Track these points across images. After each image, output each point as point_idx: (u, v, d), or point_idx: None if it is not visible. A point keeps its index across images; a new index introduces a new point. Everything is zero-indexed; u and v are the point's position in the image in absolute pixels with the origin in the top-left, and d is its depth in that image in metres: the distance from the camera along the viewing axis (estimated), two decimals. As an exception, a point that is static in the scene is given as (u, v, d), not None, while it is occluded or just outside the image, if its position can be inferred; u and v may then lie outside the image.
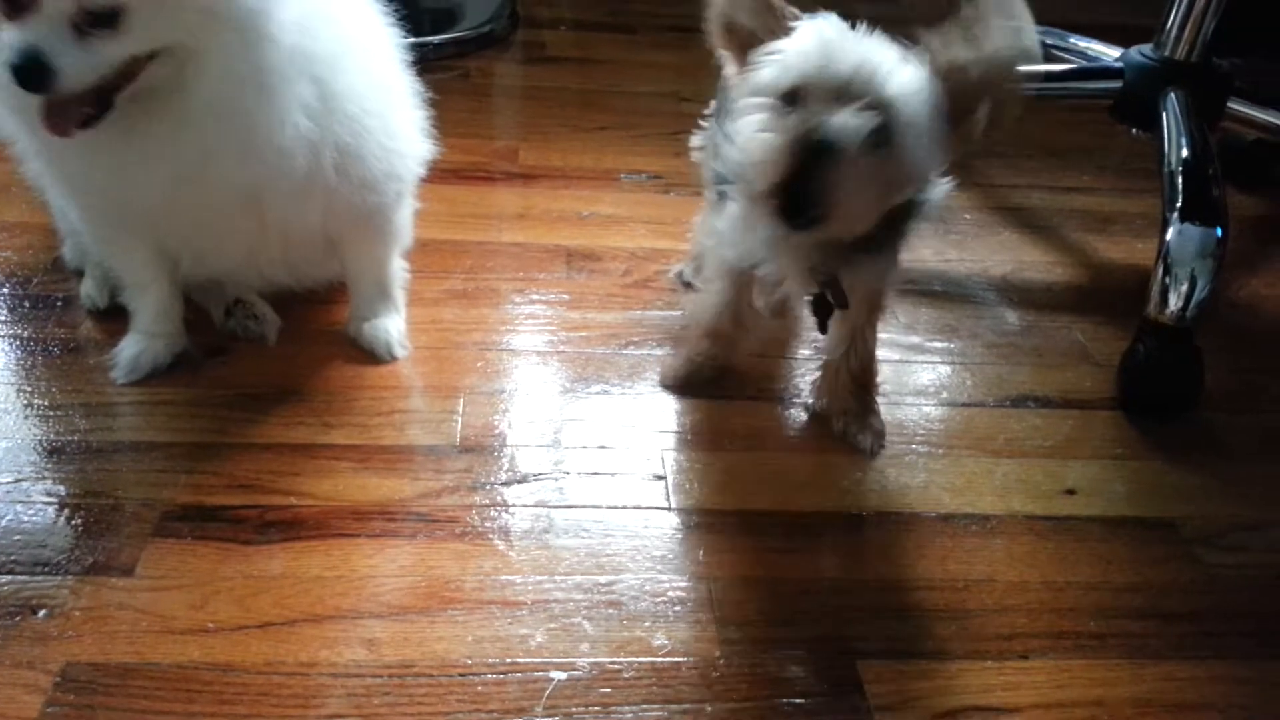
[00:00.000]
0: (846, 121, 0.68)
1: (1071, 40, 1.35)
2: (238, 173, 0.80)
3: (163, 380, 0.93)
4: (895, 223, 0.80)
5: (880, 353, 1.05)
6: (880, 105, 0.69)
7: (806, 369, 1.03)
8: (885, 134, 0.69)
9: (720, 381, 0.99)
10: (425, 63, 1.64)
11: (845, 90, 0.69)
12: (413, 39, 1.66)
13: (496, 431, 0.91)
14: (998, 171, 1.48)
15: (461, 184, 1.30)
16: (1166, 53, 1.17)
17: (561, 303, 1.10)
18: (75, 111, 0.73)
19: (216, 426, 0.88)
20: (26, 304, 1.01)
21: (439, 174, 1.30)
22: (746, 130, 0.72)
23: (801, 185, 0.69)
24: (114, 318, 0.98)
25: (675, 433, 0.93)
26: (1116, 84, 1.19)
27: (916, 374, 1.04)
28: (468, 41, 1.72)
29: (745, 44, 0.77)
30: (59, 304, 1.02)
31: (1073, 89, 1.28)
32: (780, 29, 0.75)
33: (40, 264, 1.07)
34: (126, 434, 0.87)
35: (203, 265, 0.94)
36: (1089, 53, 1.32)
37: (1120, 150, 1.54)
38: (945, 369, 1.05)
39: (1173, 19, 1.16)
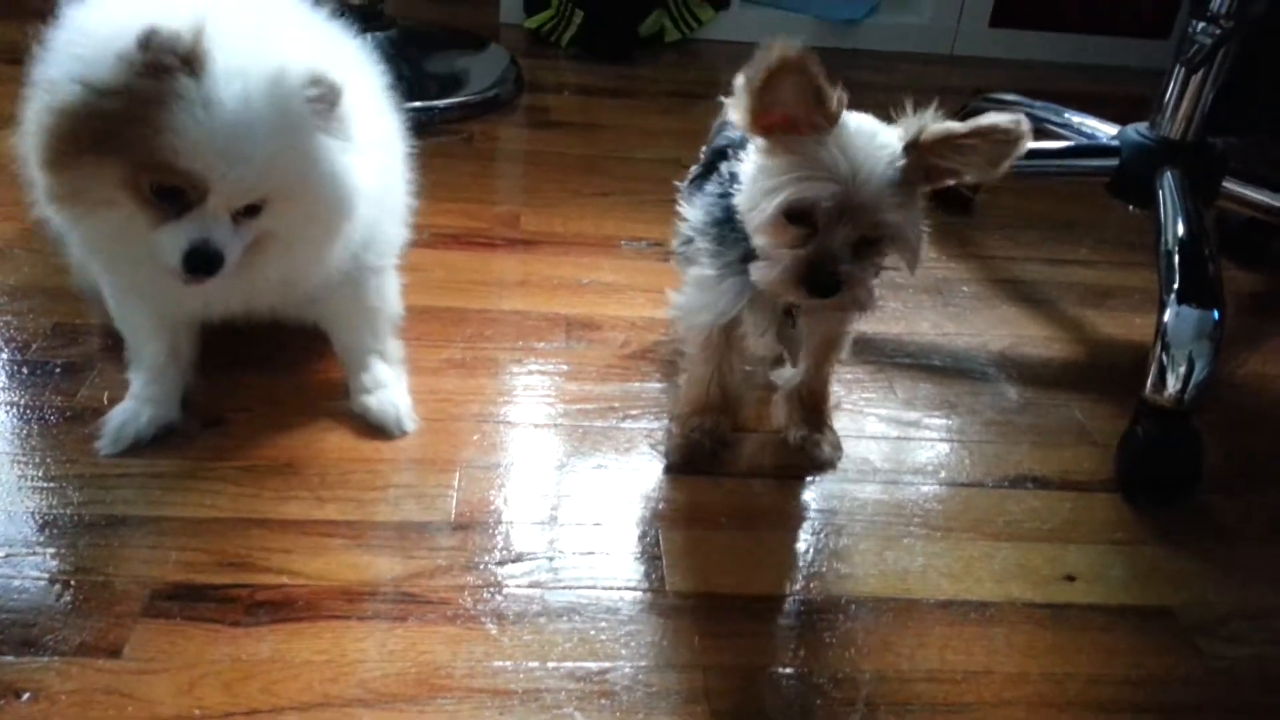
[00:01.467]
0: (851, 258, 0.79)
1: (1068, 116, 1.37)
2: (298, 288, 0.91)
3: (158, 451, 0.92)
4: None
5: (879, 429, 1.06)
6: (881, 225, 0.78)
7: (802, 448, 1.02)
8: (885, 242, 0.81)
9: (719, 455, 0.99)
10: (430, 126, 1.67)
11: (854, 216, 0.77)
12: (419, 103, 1.69)
13: (492, 507, 0.90)
14: (996, 243, 1.49)
15: (463, 250, 1.31)
16: (1162, 132, 1.19)
17: (560, 373, 1.10)
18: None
19: (210, 500, 0.88)
20: (24, 370, 1.01)
21: (441, 240, 1.32)
22: (768, 239, 0.81)
23: (821, 279, 0.79)
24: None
25: (671, 509, 0.93)
26: (1113, 162, 1.20)
27: (915, 452, 1.04)
28: (473, 106, 1.74)
29: (775, 123, 0.78)
30: (57, 370, 1.01)
31: (1069, 166, 1.30)
32: (825, 120, 0.76)
33: (40, 329, 1.07)
34: (120, 507, 0.86)
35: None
36: (1085, 129, 1.34)
37: (1118, 223, 1.54)
38: (944, 447, 1.05)
39: (1168, 99, 1.17)
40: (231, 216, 0.77)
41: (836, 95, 0.76)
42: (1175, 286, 1.02)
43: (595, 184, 1.53)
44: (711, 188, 0.90)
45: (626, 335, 1.18)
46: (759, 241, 0.82)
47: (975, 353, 1.22)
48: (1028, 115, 1.42)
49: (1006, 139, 0.76)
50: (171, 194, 0.76)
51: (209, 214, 0.76)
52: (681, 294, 0.95)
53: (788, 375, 1.01)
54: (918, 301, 1.31)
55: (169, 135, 0.72)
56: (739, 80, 0.77)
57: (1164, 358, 0.98)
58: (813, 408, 1.01)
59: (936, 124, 0.77)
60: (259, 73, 0.74)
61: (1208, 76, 1.12)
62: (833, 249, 0.78)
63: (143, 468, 0.91)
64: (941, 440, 1.06)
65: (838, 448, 1.01)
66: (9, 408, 0.97)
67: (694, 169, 0.98)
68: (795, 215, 0.79)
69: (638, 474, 0.97)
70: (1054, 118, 1.39)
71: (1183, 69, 1.13)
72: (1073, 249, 1.48)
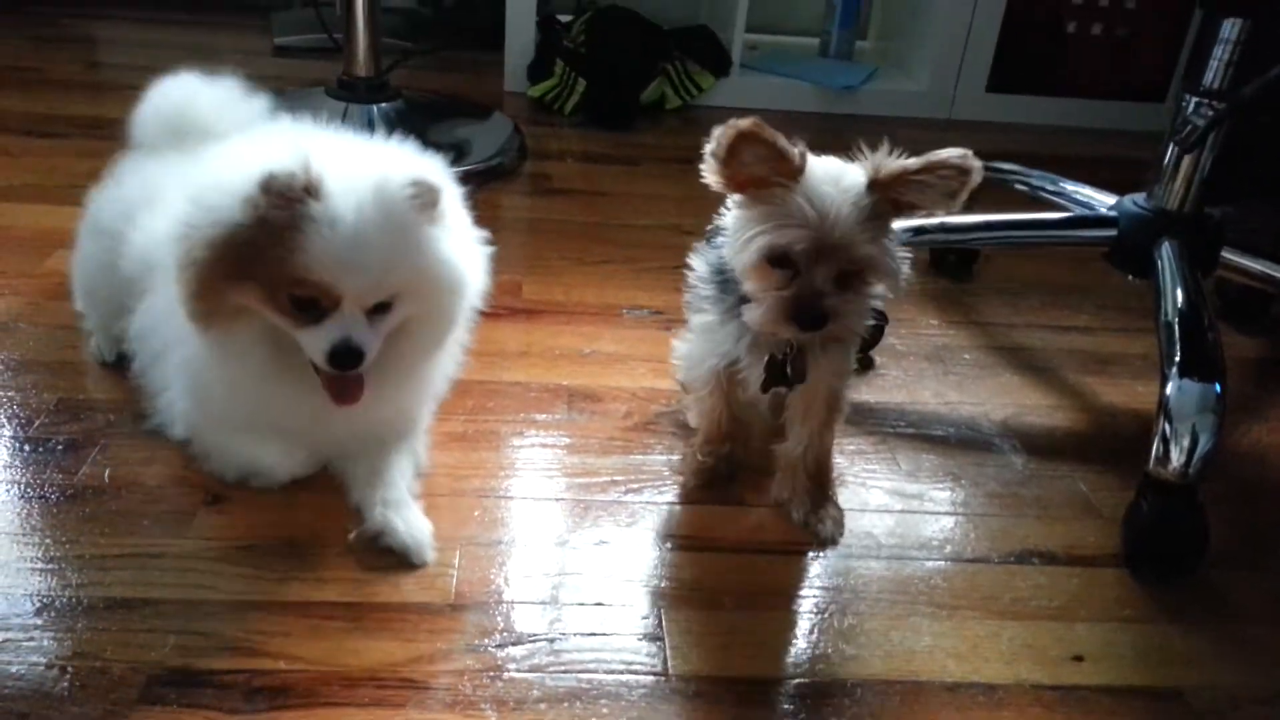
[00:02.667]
0: (835, 291, 0.86)
1: (1065, 186, 1.38)
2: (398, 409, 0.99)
3: (158, 531, 0.92)
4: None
5: (883, 501, 1.06)
6: (856, 260, 0.85)
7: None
8: (865, 273, 0.86)
9: (734, 479, 1.05)
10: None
11: (830, 255, 0.84)
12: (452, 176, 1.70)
13: (492, 586, 0.90)
14: (996, 309, 1.49)
15: (465, 320, 1.31)
16: (1160, 203, 1.20)
17: (562, 446, 1.10)
18: (356, 380, 0.89)
19: (209, 582, 0.87)
20: (27, 448, 1.01)
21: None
22: (755, 284, 0.88)
23: (807, 314, 0.86)
24: (136, 452, 0.98)
25: (673, 588, 0.92)
26: (1111, 233, 1.21)
27: (920, 526, 1.03)
28: (477, 174, 1.76)
29: (746, 182, 0.86)
30: (59, 448, 1.01)
31: (1067, 237, 1.31)
32: (791, 172, 0.84)
33: (43, 405, 1.07)
34: (118, 589, 0.85)
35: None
36: (1082, 198, 1.35)
37: (1118, 288, 1.55)
38: (949, 521, 1.04)
39: (1165, 170, 1.18)
40: (365, 315, 0.86)
41: (798, 151, 0.83)
42: (1176, 359, 1.02)
43: (597, 251, 1.54)
44: (713, 241, 0.96)
45: (628, 406, 1.18)
46: (748, 287, 0.89)
47: (978, 422, 1.22)
48: (1025, 185, 1.45)
49: (955, 173, 0.83)
50: (309, 304, 0.84)
51: (346, 316, 0.85)
52: (685, 341, 1.02)
53: (789, 446, 1.01)
54: (919, 370, 1.32)
55: (301, 255, 0.81)
56: (706, 152, 0.85)
57: (1167, 431, 0.98)
58: (816, 480, 1.01)
59: (892, 162, 0.84)
60: (366, 187, 0.83)
61: (1202, 154, 1.13)
62: (815, 286, 0.85)
63: (142, 548, 0.90)
64: (946, 514, 1.05)
65: (840, 523, 1.01)
66: (10, 486, 0.96)
67: (711, 226, 1.00)
68: (776, 260, 0.85)
69: (640, 550, 0.96)
70: (1051, 187, 1.40)
71: (1177, 148, 1.14)
72: (1073, 315, 1.49)
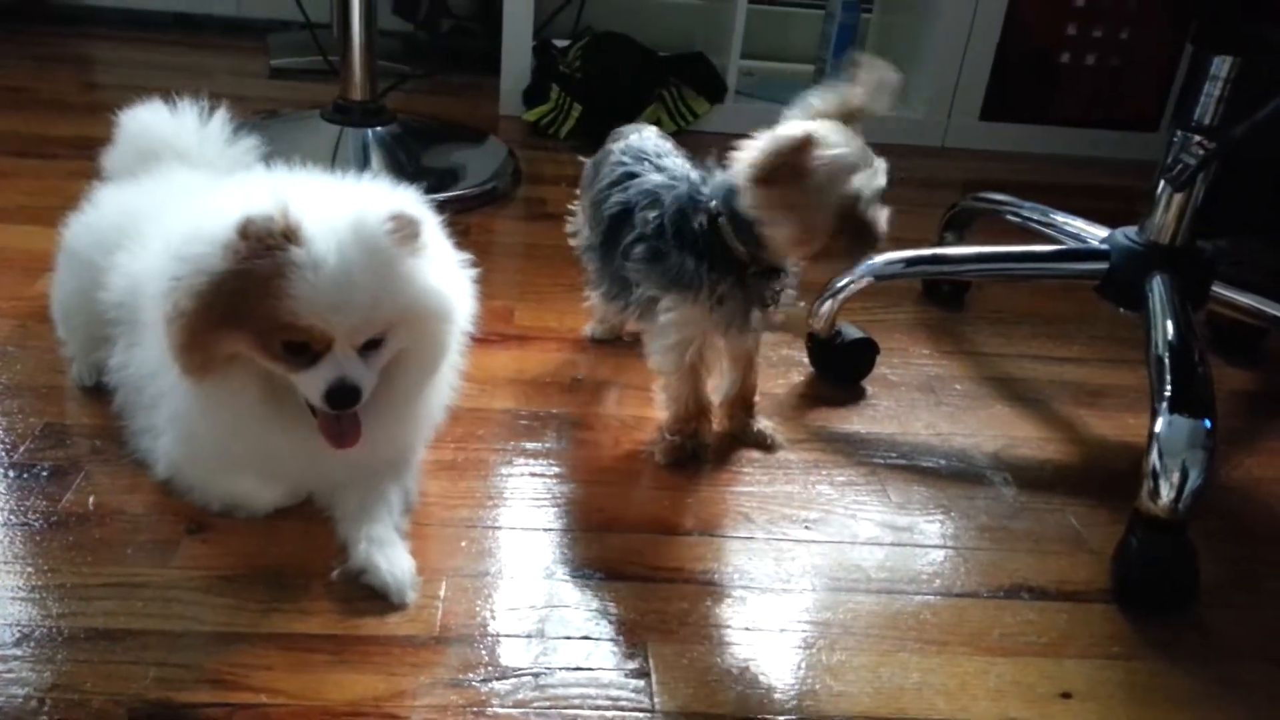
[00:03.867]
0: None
1: (1056, 217, 1.39)
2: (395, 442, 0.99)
3: (141, 560, 0.91)
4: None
5: (873, 533, 1.06)
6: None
7: (794, 554, 1.01)
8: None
9: (700, 456, 1.14)
10: (428, 218, 1.69)
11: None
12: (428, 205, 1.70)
13: (477, 619, 0.89)
14: (988, 339, 1.49)
15: (456, 346, 1.31)
16: (1151, 236, 1.20)
17: (550, 475, 1.09)
18: (352, 420, 0.89)
19: (191, 613, 0.86)
20: (11, 474, 1.01)
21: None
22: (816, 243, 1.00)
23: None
24: (121, 485, 0.97)
25: (660, 620, 0.91)
26: (1102, 266, 1.22)
27: (909, 559, 1.03)
28: (471, 198, 1.76)
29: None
30: (44, 474, 1.01)
31: (1058, 270, 1.31)
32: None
33: (29, 430, 1.07)
34: (101, 619, 0.85)
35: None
36: (1071, 229, 1.35)
37: (1111, 320, 1.55)
38: (938, 554, 1.04)
39: (1157, 204, 1.19)
40: (358, 352, 0.86)
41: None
42: (1167, 394, 1.02)
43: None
44: (641, 248, 1.05)
45: (617, 435, 1.17)
46: (800, 248, 1.01)
47: (970, 454, 1.22)
48: (1017, 217, 1.45)
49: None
50: (301, 347, 0.85)
51: (339, 356, 0.86)
52: (663, 337, 1.08)
53: (725, 387, 1.17)
54: (911, 400, 1.31)
55: (289, 301, 0.81)
56: (754, 175, 0.97)
57: (1157, 467, 0.98)
58: (749, 402, 1.18)
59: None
60: (345, 226, 0.83)
61: (1192, 193, 1.14)
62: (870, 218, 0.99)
63: (124, 577, 0.89)
64: (936, 547, 1.05)
65: (771, 429, 1.19)
66: (-7, 512, 0.96)
67: (596, 239, 1.13)
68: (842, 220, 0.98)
69: (626, 583, 0.95)
70: (1043, 219, 1.41)
71: (1168, 186, 1.14)
72: (1065, 345, 1.49)
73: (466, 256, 0.97)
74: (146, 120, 1.10)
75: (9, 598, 0.86)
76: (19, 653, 0.81)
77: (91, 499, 0.98)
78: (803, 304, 1.16)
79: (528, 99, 2.17)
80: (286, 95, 2.20)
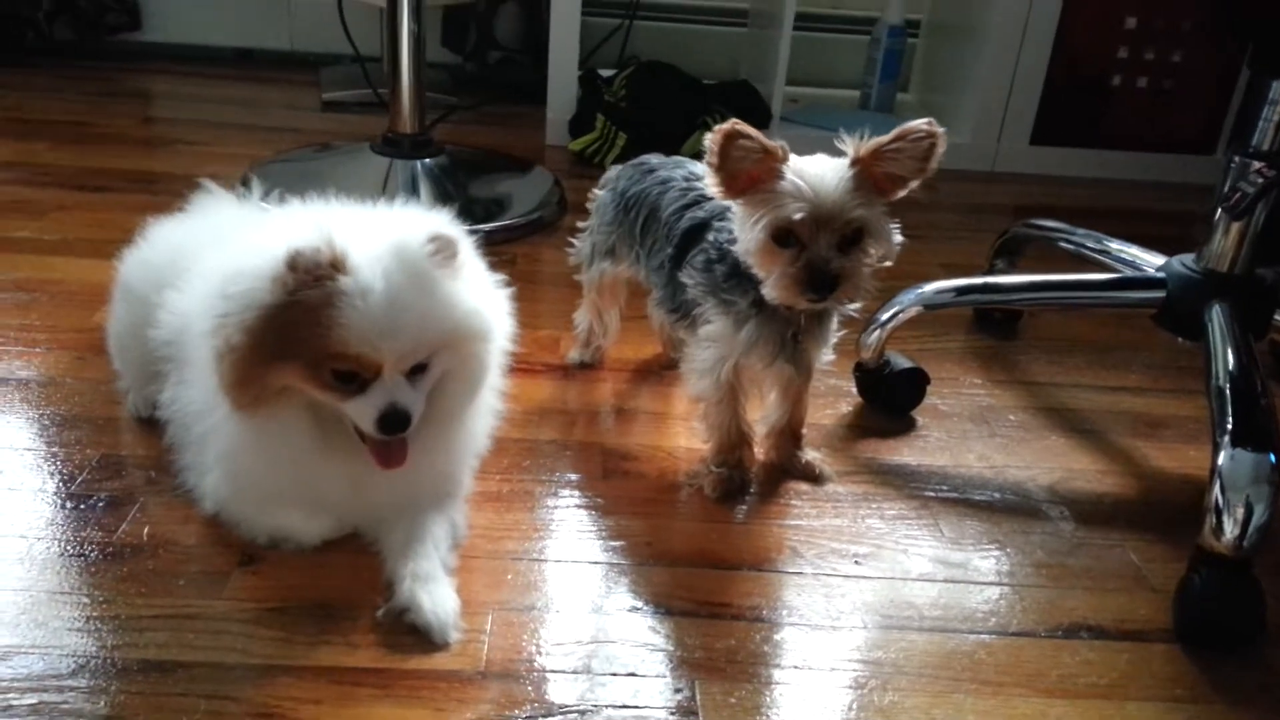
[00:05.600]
0: (836, 259, 0.96)
1: (1110, 244, 1.36)
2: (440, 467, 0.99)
3: (193, 592, 0.92)
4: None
5: (925, 569, 1.04)
6: (851, 222, 0.95)
7: (844, 591, 1.00)
8: (863, 238, 0.96)
9: (747, 487, 1.13)
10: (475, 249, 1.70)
11: (828, 223, 0.94)
12: (466, 227, 1.72)
13: (523, 655, 0.88)
14: (1042, 368, 1.46)
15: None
16: (1209, 264, 1.17)
17: (596, 507, 1.09)
18: (401, 444, 0.90)
19: (241, 645, 0.87)
20: (69, 504, 1.03)
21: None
22: (766, 266, 0.98)
23: (819, 278, 0.95)
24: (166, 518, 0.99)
25: (707, 657, 0.90)
26: (1159, 294, 1.19)
27: (963, 597, 1.00)
28: (517, 228, 1.77)
29: (745, 184, 0.97)
30: (100, 505, 1.02)
31: (1113, 299, 1.28)
32: (778, 165, 0.95)
33: (86, 461, 1.09)
34: (152, 651, 0.85)
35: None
36: (1126, 257, 1.32)
37: (1169, 347, 1.51)
38: (993, 591, 1.01)
39: (1214, 231, 1.16)
40: (406, 377, 0.87)
41: (780, 145, 0.94)
42: (1229, 427, 0.99)
43: (637, 306, 1.53)
44: (701, 258, 1.06)
45: (663, 466, 1.17)
46: (760, 270, 0.98)
47: (1025, 487, 1.19)
48: (1070, 244, 1.42)
49: (924, 136, 0.93)
50: (350, 376, 0.86)
51: (388, 382, 0.86)
52: (701, 350, 1.09)
53: (772, 416, 1.16)
54: (963, 431, 1.29)
55: (339, 330, 0.82)
56: (704, 163, 0.97)
57: (1220, 502, 0.95)
58: (798, 435, 1.17)
59: (869, 141, 0.95)
60: (388, 252, 0.84)
61: (1251, 220, 1.11)
62: (821, 253, 0.94)
63: (177, 609, 0.90)
64: (991, 584, 1.03)
65: (821, 461, 1.17)
66: (51, 543, 0.97)
67: (669, 251, 1.11)
68: (780, 238, 0.95)
69: (673, 618, 0.94)
70: (1097, 246, 1.38)
71: (1226, 214, 1.12)
72: (1122, 375, 1.45)
73: (502, 278, 0.98)
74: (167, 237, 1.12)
75: (65, 628, 0.87)
76: (75, 684, 0.82)
77: (146, 530, 0.99)
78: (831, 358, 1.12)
79: (573, 129, 2.18)
80: (337, 128, 2.24)
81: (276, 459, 0.92)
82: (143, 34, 2.55)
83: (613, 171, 1.27)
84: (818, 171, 0.95)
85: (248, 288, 0.83)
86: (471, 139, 2.15)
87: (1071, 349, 1.52)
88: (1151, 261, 1.28)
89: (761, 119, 2.21)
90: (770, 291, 0.98)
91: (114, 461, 1.09)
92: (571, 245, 1.33)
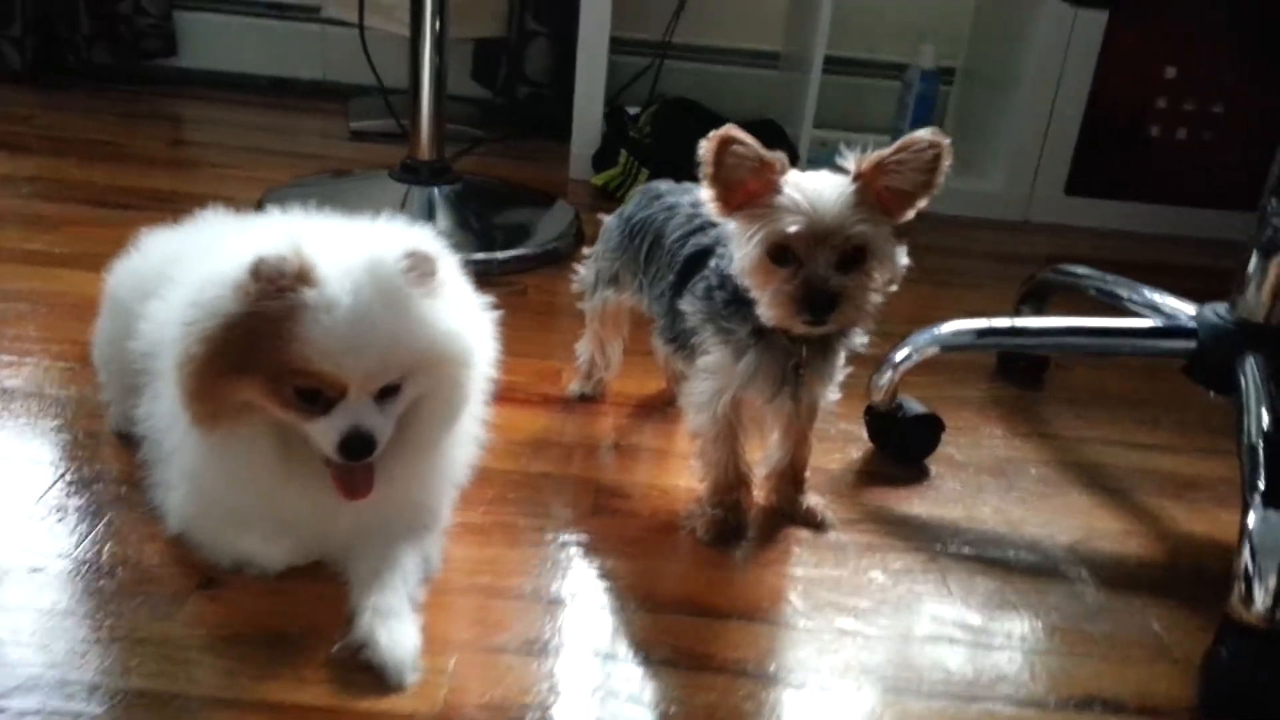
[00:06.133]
0: (838, 275, 0.90)
1: (1142, 292, 1.29)
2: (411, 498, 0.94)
3: (145, 615, 0.88)
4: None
5: (929, 630, 0.97)
6: (851, 238, 0.89)
7: (838, 648, 0.93)
8: (866, 258, 0.91)
9: (742, 530, 1.06)
10: (489, 278, 1.67)
11: (826, 239, 0.89)
12: (481, 255, 1.71)
13: (484, 699, 0.82)
14: (1067, 422, 1.39)
15: (498, 406, 1.25)
16: (1243, 314, 1.10)
17: (581, 545, 1.03)
18: (366, 471, 0.85)
19: (187, 673, 0.82)
20: (34, 517, 0.98)
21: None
22: (761, 284, 0.92)
23: (817, 298, 0.90)
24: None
25: (684, 712, 0.84)
26: (1190, 344, 1.12)
27: (970, 661, 0.93)
28: (531, 259, 1.74)
29: (742, 199, 0.92)
30: (63, 520, 0.98)
31: (1143, 347, 1.21)
32: (776, 178, 0.90)
33: (58, 474, 1.05)
34: (89, 674, 0.81)
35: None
36: (1160, 306, 1.25)
37: (1202, 404, 1.42)
38: (1002, 656, 0.94)
39: (1249, 279, 1.09)
40: (374, 399, 0.82)
41: (778, 156, 0.90)
42: (1260, 487, 0.92)
43: (641, 339, 1.49)
44: (702, 285, 1.01)
45: (656, 504, 1.11)
46: (756, 291, 0.93)
47: (1042, 545, 1.12)
48: (1098, 291, 1.36)
49: (926, 147, 0.89)
50: (314, 394, 0.81)
51: (354, 403, 0.82)
52: (699, 381, 1.03)
53: (773, 456, 1.10)
54: (979, 483, 1.22)
55: (301, 344, 0.78)
56: (700, 175, 0.91)
57: (1249, 568, 0.87)
58: (801, 479, 1.10)
59: (871, 154, 0.90)
60: (359, 266, 0.80)
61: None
62: (818, 270, 0.89)
63: (126, 632, 0.86)
64: (1000, 648, 0.95)
65: (823, 508, 1.10)
66: (8, 556, 0.93)
67: (670, 279, 1.07)
68: (777, 254, 0.90)
69: (651, 666, 0.88)
70: (1127, 294, 1.31)
71: (1261, 257, 1.05)
72: (1151, 431, 1.38)
73: (489, 300, 0.93)
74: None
75: (10, 641, 0.83)
76: (4, 704, 0.77)
77: (107, 548, 0.95)
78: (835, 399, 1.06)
79: (597, 163, 2.16)
80: (363, 156, 2.23)
81: (237, 479, 0.88)
82: (179, 59, 2.57)
83: None
84: (816, 186, 0.90)
85: (212, 295, 0.80)
86: (496, 171, 2.13)
87: (1100, 402, 1.45)
88: (1184, 310, 1.21)
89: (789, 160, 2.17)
90: (765, 311, 0.93)
91: (86, 476, 1.05)
92: (576, 272, 1.29)
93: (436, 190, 1.85)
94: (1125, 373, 1.52)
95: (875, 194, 0.91)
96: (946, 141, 0.89)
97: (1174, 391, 1.44)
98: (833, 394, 1.05)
